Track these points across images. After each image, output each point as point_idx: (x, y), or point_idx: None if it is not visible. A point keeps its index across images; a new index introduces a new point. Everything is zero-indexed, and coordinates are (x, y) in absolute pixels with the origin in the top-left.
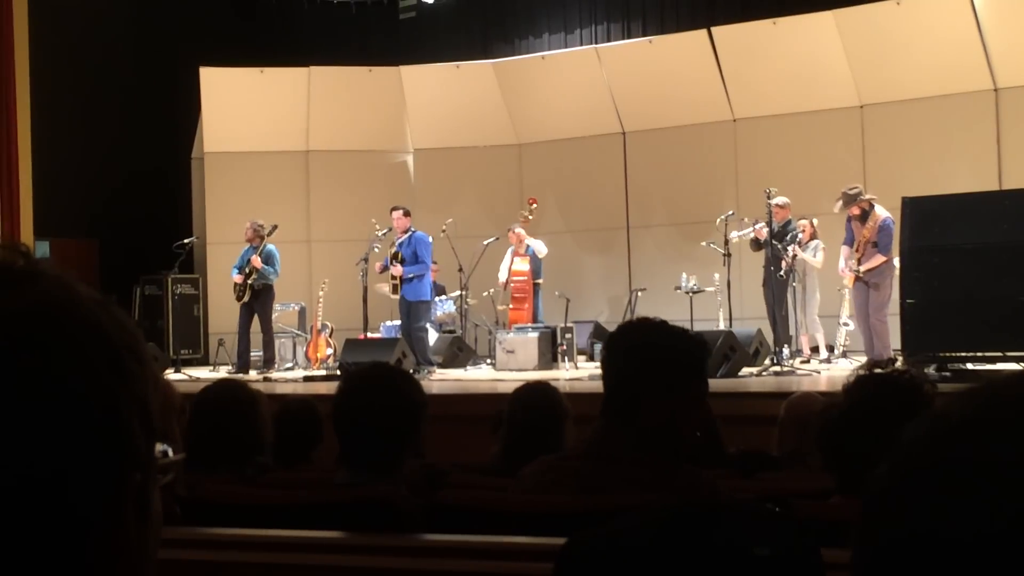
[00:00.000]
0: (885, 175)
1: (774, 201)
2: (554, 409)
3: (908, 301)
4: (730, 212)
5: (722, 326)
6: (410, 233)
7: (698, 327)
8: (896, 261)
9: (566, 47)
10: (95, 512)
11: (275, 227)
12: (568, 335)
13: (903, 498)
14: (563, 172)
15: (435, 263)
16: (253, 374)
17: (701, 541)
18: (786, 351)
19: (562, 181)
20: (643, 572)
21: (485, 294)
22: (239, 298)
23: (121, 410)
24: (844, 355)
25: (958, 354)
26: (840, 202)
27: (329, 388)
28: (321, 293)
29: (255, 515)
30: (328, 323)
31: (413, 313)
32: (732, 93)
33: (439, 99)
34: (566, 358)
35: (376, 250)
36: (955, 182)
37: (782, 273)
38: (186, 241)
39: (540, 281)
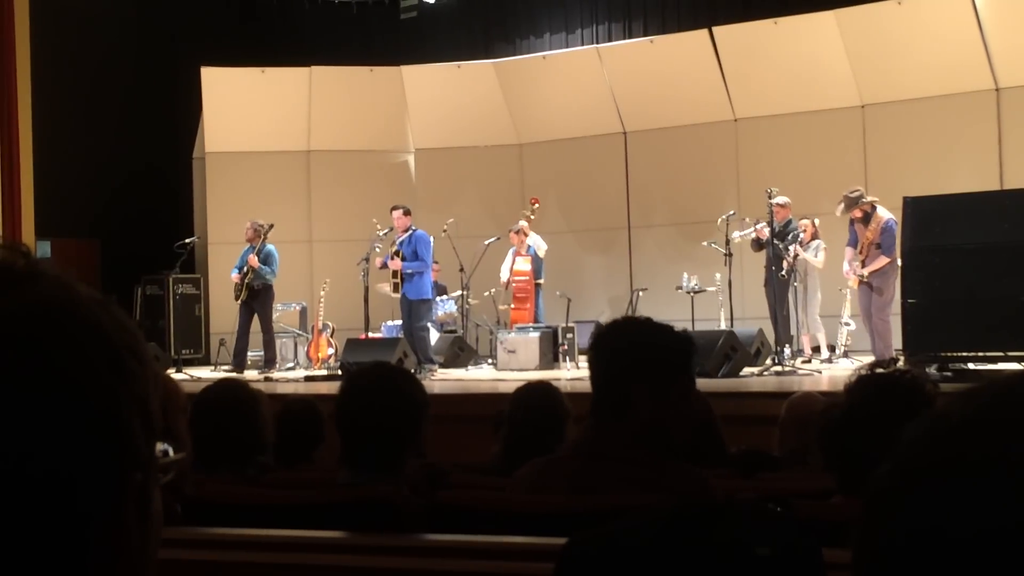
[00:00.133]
0: (886, 175)
1: (775, 201)
2: (555, 409)
3: (909, 301)
4: (731, 212)
5: (723, 326)
6: (411, 232)
7: (699, 327)
8: (899, 261)
9: (567, 47)
10: (96, 512)
11: (271, 226)
12: (569, 335)
13: (904, 498)
14: (564, 172)
15: (436, 263)
16: (254, 374)
17: (702, 541)
18: (787, 351)
19: (563, 181)
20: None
21: (486, 294)
22: (237, 298)
23: (122, 410)
24: (845, 355)
25: (959, 354)
26: (842, 205)
27: (330, 388)
28: (322, 293)
29: (256, 515)
30: (329, 323)
31: (415, 312)
32: (733, 93)
33: (440, 99)
34: (567, 358)
35: (377, 250)
36: (956, 182)
37: (783, 273)
38: (187, 241)
39: (541, 281)
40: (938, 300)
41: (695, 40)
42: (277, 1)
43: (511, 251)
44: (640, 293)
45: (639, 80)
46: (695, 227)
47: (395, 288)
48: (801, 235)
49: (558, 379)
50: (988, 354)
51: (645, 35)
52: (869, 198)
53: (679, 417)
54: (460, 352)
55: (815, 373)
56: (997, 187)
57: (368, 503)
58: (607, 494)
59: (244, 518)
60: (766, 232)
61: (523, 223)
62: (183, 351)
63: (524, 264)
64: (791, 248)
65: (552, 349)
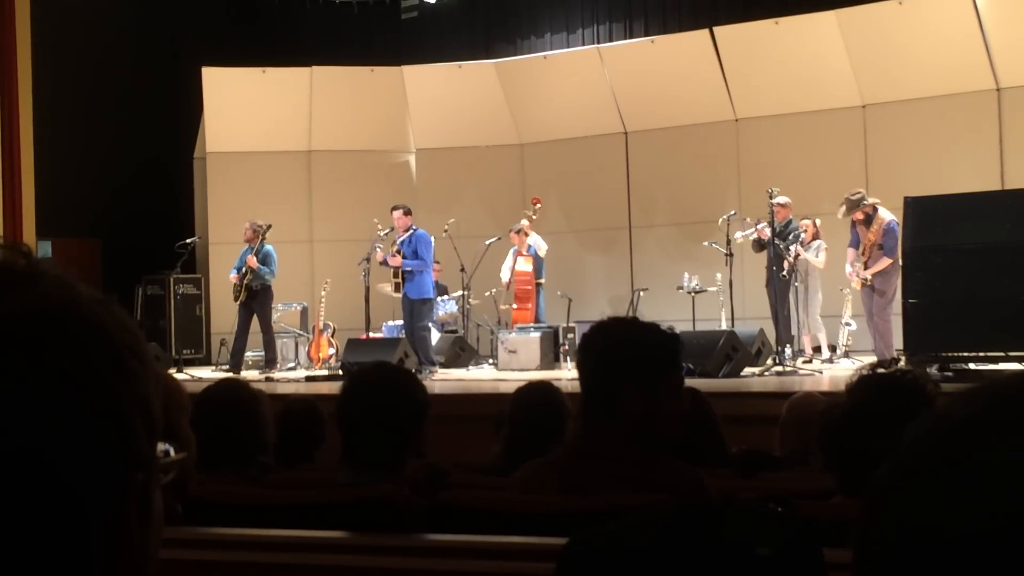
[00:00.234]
0: (887, 175)
1: (776, 200)
2: (556, 409)
3: (910, 301)
4: (732, 212)
5: (724, 326)
6: (411, 232)
7: (700, 327)
8: (900, 262)
9: (568, 47)
10: (98, 511)
11: (269, 226)
12: (570, 335)
13: (904, 498)
14: (565, 172)
15: (437, 263)
16: (255, 374)
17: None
18: (788, 351)
19: (564, 181)
20: (645, 572)
21: (487, 294)
22: (236, 299)
23: (123, 410)
24: (846, 355)
25: (960, 354)
26: (843, 207)
27: (331, 388)
28: (323, 293)
29: (257, 515)
30: (330, 323)
31: (416, 312)
32: (734, 93)
33: (441, 99)
34: (568, 358)
35: (378, 249)
36: (957, 182)
37: (784, 273)
38: (188, 241)
39: (542, 281)
40: (939, 300)
41: (696, 40)
42: (278, 1)
43: (512, 251)
44: (641, 293)
45: (640, 80)
46: (696, 227)
47: (396, 288)
48: (802, 235)
49: (559, 379)
50: (989, 354)
51: (646, 35)
52: (871, 200)
53: (669, 414)
54: (461, 352)
55: (816, 373)
56: (998, 187)
57: (369, 503)
58: (605, 494)
59: (245, 518)
60: (767, 232)
61: (524, 223)
62: (184, 351)
63: (526, 264)
64: (792, 248)
65: (553, 349)
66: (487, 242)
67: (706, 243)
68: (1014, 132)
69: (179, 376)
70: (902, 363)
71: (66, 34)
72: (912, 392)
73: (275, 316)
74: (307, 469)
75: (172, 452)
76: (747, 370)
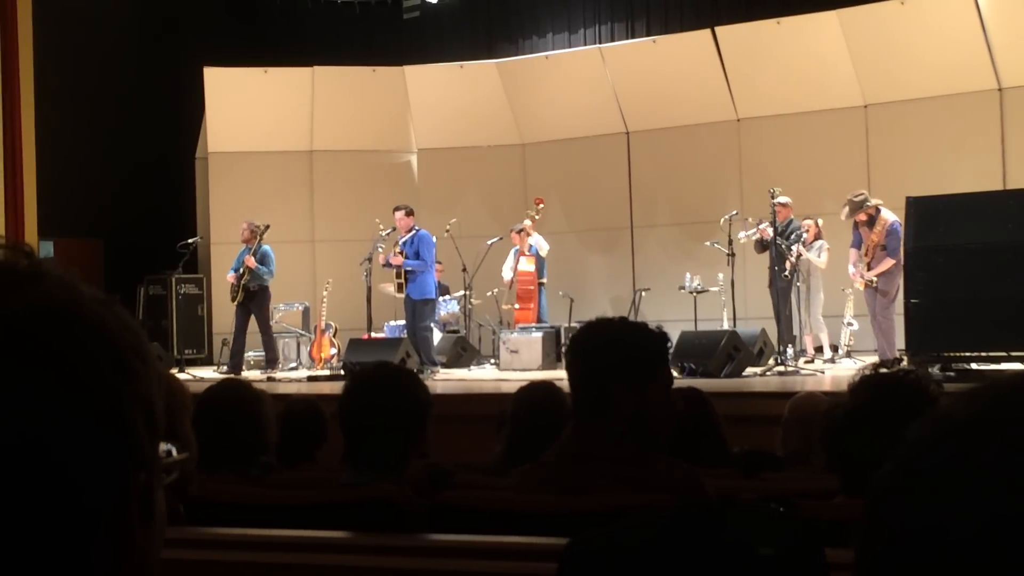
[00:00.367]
0: (889, 175)
1: (777, 200)
2: (558, 409)
3: (912, 301)
4: (734, 212)
5: (726, 326)
6: (414, 232)
7: (702, 327)
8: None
9: (570, 47)
10: (100, 511)
11: (267, 227)
12: (572, 335)
13: (906, 498)
14: (567, 172)
15: (439, 263)
16: (257, 374)
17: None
18: (790, 351)
19: (566, 181)
20: (646, 572)
21: (489, 294)
22: (234, 299)
23: (125, 410)
24: (848, 355)
25: (962, 354)
26: (846, 209)
27: (333, 388)
28: (325, 293)
29: (259, 515)
30: (332, 323)
31: (418, 312)
32: (736, 93)
33: (443, 99)
34: None
35: (380, 250)
36: (959, 182)
37: (786, 273)
38: (190, 241)
39: (544, 281)
40: (941, 300)
41: (698, 40)
42: (280, 1)
43: (513, 251)
44: (643, 293)
45: (642, 80)
46: (698, 227)
47: (399, 288)
48: (804, 235)
49: (561, 379)
50: (991, 354)
51: (648, 35)
52: (874, 201)
53: (660, 413)
54: (463, 352)
55: (818, 373)
56: (1000, 187)
57: (371, 503)
58: (605, 494)
59: (247, 518)
60: (769, 232)
61: (527, 223)
62: (186, 351)
63: (528, 265)
64: (794, 248)
65: (555, 349)
66: (489, 242)
67: (708, 243)
68: (1016, 132)
69: (181, 376)
70: (904, 363)
71: (68, 34)
72: (914, 392)
73: (277, 316)
74: (309, 469)
75: (174, 452)
76: (749, 370)
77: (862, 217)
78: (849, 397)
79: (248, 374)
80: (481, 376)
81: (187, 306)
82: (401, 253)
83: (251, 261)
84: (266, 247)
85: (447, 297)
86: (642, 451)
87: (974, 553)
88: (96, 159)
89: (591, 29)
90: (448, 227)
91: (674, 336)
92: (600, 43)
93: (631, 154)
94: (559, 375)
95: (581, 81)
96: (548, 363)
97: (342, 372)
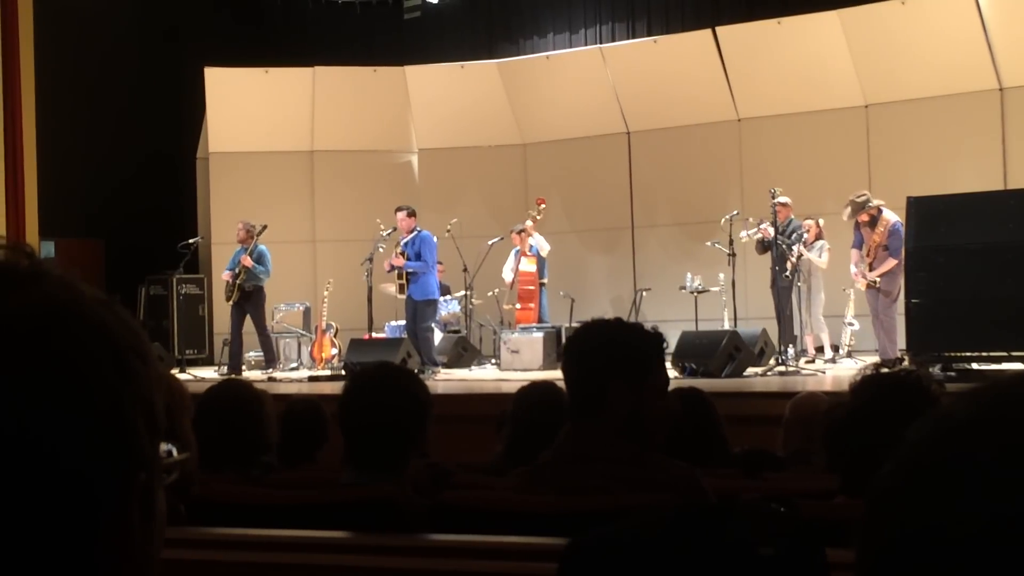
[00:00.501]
0: (890, 175)
1: (778, 200)
2: (558, 409)
3: (913, 301)
4: (735, 212)
5: (727, 326)
6: (415, 233)
7: (703, 327)
8: None
9: (571, 47)
10: (100, 511)
11: (264, 227)
12: (568, 336)
13: (907, 498)
14: (568, 172)
15: (440, 263)
16: (257, 374)
17: (706, 541)
18: (791, 351)
19: (567, 181)
20: (647, 572)
21: (490, 294)
22: (228, 298)
23: (126, 410)
24: (849, 355)
25: (963, 354)
26: (848, 210)
27: (334, 388)
28: (326, 293)
29: (260, 515)
30: (333, 323)
31: (420, 313)
32: (737, 93)
33: (444, 99)
34: None
35: (381, 250)
36: (960, 182)
37: (787, 273)
38: (191, 241)
39: (545, 281)
40: (942, 300)
41: (699, 40)
42: (281, 1)
43: (513, 252)
44: (643, 293)
45: (643, 80)
46: (699, 227)
47: (400, 289)
48: (805, 235)
49: (561, 379)
50: (992, 354)
51: (649, 35)
52: (876, 201)
53: (656, 413)
54: (463, 352)
55: (819, 373)
56: (1001, 187)
57: (371, 503)
58: (605, 494)
59: (248, 518)
60: (770, 231)
61: (528, 223)
62: (187, 351)
63: (530, 265)
64: (795, 248)
65: (555, 349)
66: (490, 242)
67: (709, 243)
68: (1017, 132)
69: (182, 376)
70: (906, 363)
71: (69, 34)
72: (916, 392)
73: (278, 316)
74: (310, 469)
75: (175, 452)
76: (750, 370)
77: (864, 218)
78: (850, 397)
79: (248, 374)
80: (482, 376)
81: (188, 306)
82: (402, 254)
83: (247, 260)
84: (262, 247)
85: (448, 297)
86: (639, 451)
87: (975, 553)
88: (97, 159)
89: (592, 29)
90: (449, 227)
91: (675, 336)
92: (601, 43)
93: (632, 154)
94: (560, 375)
95: (582, 81)
96: (549, 363)
97: (343, 372)
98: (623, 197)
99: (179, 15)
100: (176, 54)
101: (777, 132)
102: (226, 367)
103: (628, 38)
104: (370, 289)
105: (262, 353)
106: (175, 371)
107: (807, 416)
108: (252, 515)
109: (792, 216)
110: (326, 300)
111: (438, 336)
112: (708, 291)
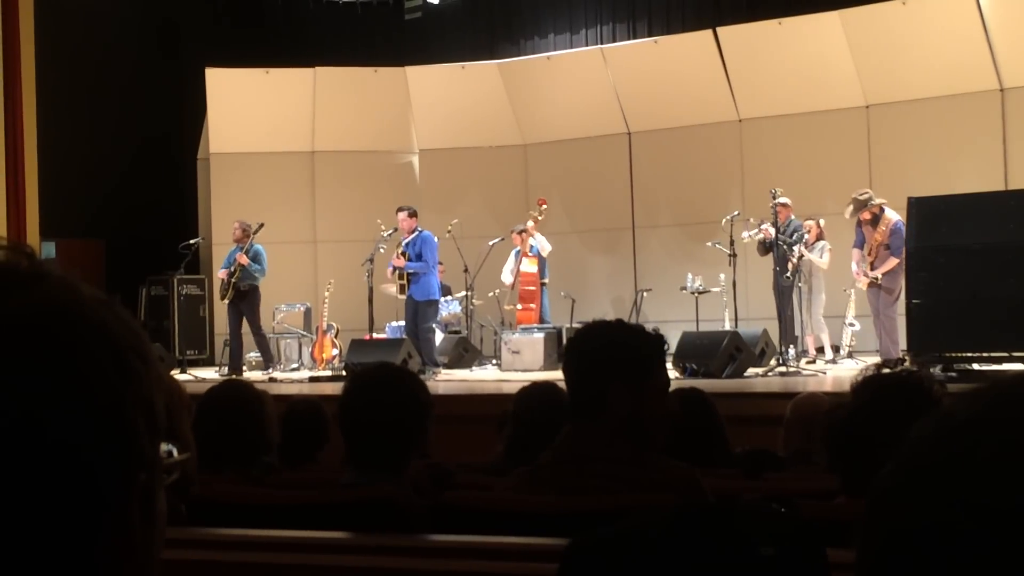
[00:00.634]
0: (891, 175)
1: (779, 201)
2: (559, 409)
3: (914, 301)
4: (736, 212)
5: (728, 326)
6: (417, 233)
7: (704, 328)
8: None
9: (571, 47)
10: (100, 511)
11: (261, 225)
12: (569, 337)
13: (907, 497)
14: (568, 172)
15: (441, 264)
16: (258, 374)
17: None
18: (792, 351)
19: (567, 181)
20: (648, 572)
21: (491, 295)
22: (223, 296)
23: (126, 410)
24: (850, 355)
25: (964, 354)
26: (851, 207)
27: (335, 388)
28: (326, 293)
29: (261, 515)
30: (333, 324)
31: (421, 313)
32: (737, 93)
33: (444, 99)
34: None
35: (382, 251)
36: (961, 182)
37: (788, 274)
38: (192, 242)
39: (546, 281)
40: (942, 300)
41: (699, 40)
42: (282, 2)
43: (514, 252)
44: (644, 294)
45: (643, 81)
46: (699, 228)
47: (401, 290)
48: (806, 236)
49: (562, 379)
50: (992, 354)
51: (649, 36)
52: (878, 200)
53: (656, 414)
54: (464, 353)
55: (819, 373)
56: (1001, 187)
57: (372, 503)
58: (606, 494)
59: (248, 518)
60: (771, 232)
61: (529, 224)
62: (187, 352)
63: (531, 266)
64: (796, 248)
65: (556, 349)
66: (491, 243)
67: (710, 244)
68: (1018, 132)
69: (183, 377)
70: (907, 363)
71: (70, 34)
72: (917, 392)
73: (279, 317)
74: (310, 469)
75: (175, 453)
76: (751, 370)
77: (866, 216)
78: (851, 397)
79: (249, 375)
80: (483, 377)
81: (189, 307)
82: (403, 255)
83: (243, 258)
84: (258, 246)
85: (449, 298)
86: (639, 451)
87: (976, 553)
88: (98, 160)
89: (592, 29)
90: (450, 228)
91: (676, 337)
92: (602, 43)
93: (633, 154)
94: (560, 376)
95: (583, 81)
96: (550, 364)
97: (344, 373)
98: (624, 197)
99: (180, 16)
100: (177, 55)
101: (778, 132)
102: (227, 368)
103: (629, 38)
104: (371, 290)
105: (260, 354)
106: (176, 372)
107: (808, 416)
108: (253, 515)
109: (793, 216)
110: (327, 301)
111: (439, 337)
112: (709, 292)
